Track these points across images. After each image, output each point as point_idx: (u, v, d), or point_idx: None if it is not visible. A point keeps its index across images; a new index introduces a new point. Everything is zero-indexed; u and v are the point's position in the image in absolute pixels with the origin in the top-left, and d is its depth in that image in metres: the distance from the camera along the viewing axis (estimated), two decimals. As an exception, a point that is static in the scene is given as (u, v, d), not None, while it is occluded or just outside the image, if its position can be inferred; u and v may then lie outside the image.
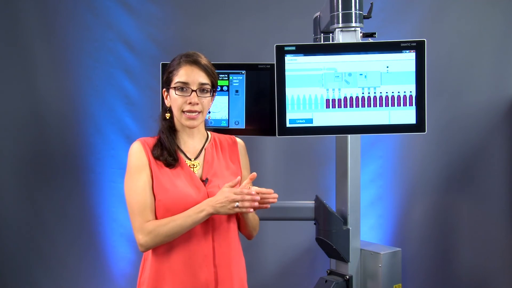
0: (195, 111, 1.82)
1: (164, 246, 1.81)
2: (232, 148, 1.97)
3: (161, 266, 1.82)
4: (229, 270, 1.85)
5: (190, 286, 1.80)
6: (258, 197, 1.75)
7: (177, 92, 1.83)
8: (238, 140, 2.01)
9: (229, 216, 1.87)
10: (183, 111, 1.83)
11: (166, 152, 1.84)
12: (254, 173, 1.78)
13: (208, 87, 1.85)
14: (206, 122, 1.99)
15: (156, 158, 1.83)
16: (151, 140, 1.88)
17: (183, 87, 1.82)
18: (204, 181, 1.85)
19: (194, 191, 1.81)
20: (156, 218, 1.81)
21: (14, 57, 3.26)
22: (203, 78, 1.83)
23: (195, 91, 1.82)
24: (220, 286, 1.83)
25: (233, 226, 1.90)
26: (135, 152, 1.84)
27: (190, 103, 1.81)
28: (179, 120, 1.86)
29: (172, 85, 1.84)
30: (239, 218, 1.93)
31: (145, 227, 1.78)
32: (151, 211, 1.80)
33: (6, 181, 3.26)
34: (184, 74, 1.82)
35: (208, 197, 1.80)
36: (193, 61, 1.84)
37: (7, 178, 3.27)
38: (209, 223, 1.82)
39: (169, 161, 1.83)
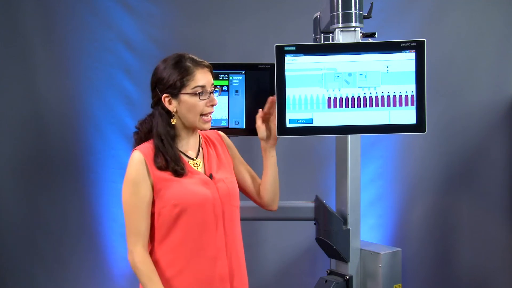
0: (211, 112, 1.87)
1: (174, 242, 1.79)
2: (220, 142, 2.00)
3: (173, 262, 1.80)
4: (239, 262, 1.88)
5: (206, 280, 1.79)
6: None
7: (201, 97, 1.82)
8: (220, 132, 2.05)
9: (235, 206, 1.89)
10: (201, 115, 1.84)
11: (173, 161, 1.80)
12: None
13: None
14: None
15: (161, 169, 1.79)
16: (150, 149, 1.83)
17: (202, 91, 1.83)
18: (209, 177, 1.86)
19: (206, 189, 1.82)
20: (161, 222, 1.79)
21: (14, 58, 3.26)
22: (212, 79, 1.88)
23: (212, 92, 1.86)
24: (236, 278, 1.85)
25: (238, 215, 1.92)
26: (136, 163, 1.79)
27: (212, 105, 1.85)
28: (194, 124, 1.84)
29: (189, 90, 1.81)
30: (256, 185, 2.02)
31: (135, 254, 1.77)
32: (144, 237, 1.78)
33: (6, 181, 3.26)
34: (201, 78, 1.82)
35: (218, 191, 1.83)
36: (204, 64, 1.86)
37: (7, 178, 3.27)
38: (220, 214, 1.83)
39: (178, 171, 1.80)
